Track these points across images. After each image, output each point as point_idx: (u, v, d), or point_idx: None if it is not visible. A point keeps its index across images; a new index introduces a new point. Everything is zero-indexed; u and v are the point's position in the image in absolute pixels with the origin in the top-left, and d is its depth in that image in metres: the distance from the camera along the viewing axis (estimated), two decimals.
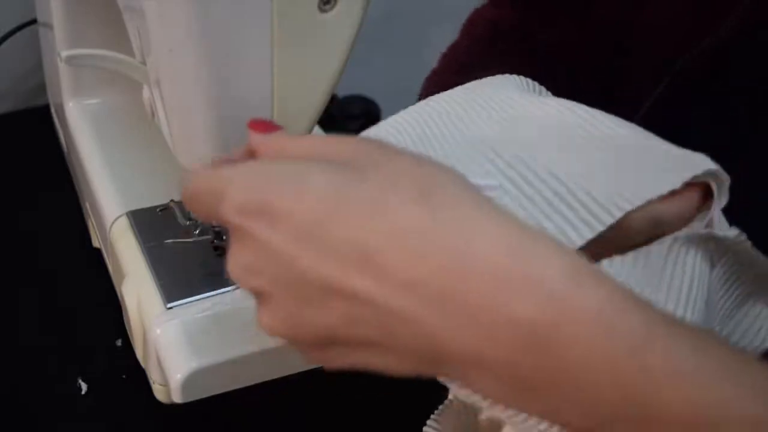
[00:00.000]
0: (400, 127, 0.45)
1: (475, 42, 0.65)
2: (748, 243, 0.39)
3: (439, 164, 0.32)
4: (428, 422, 0.49)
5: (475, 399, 0.47)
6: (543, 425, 0.37)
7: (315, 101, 0.48)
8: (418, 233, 0.29)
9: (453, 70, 0.56)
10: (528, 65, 0.53)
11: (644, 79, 0.59)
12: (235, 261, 0.34)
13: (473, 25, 0.67)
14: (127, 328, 0.54)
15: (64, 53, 0.46)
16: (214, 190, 0.33)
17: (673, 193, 0.36)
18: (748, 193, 0.50)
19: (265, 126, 0.38)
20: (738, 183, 0.41)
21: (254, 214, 0.32)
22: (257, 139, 0.37)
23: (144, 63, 0.48)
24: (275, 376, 0.50)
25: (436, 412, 0.51)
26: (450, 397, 0.52)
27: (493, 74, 0.49)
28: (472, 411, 0.51)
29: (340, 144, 0.34)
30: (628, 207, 0.35)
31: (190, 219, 0.55)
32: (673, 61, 0.56)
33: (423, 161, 0.32)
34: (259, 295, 0.35)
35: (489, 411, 0.47)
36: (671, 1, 0.58)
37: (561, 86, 0.53)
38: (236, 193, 0.32)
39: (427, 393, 0.47)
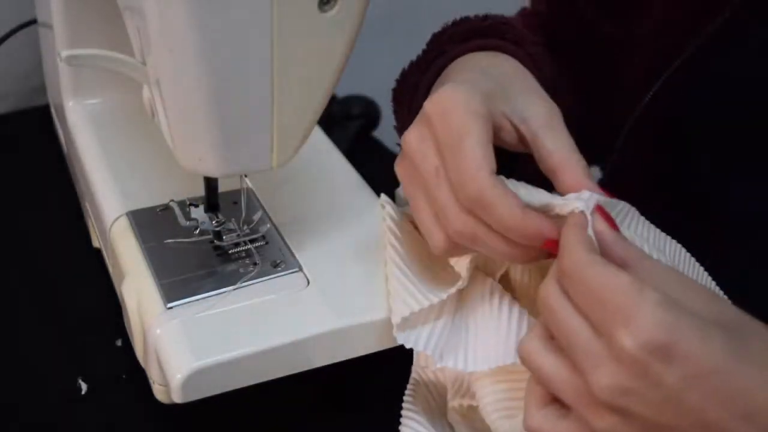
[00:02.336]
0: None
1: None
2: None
3: None
4: (404, 405, 0.50)
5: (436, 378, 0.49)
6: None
7: (315, 101, 0.48)
8: None
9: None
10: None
11: (641, 77, 0.60)
12: (612, 378, 0.37)
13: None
14: (127, 328, 0.54)
15: (64, 53, 0.46)
16: (622, 310, 0.36)
17: None
18: (742, 181, 0.51)
19: (611, 221, 0.43)
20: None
21: (654, 352, 0.35)
22: (604, 232, 0.42)
23: (144, 63, 0.48)
24: (275, 376, 0.50)
25: (407, 391, 0.52)
26: (414, 375, 0.53)
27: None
28: (440, 396, 0.52)
29: (699, 301, 0.38)
30: None
31: (190, 219, 0.55)
32: (669, 59, 0.57)
33: None
34: (619, 411, 0.37)
35: (453, 397, 0.49)
36: (667, 4, 0.58)
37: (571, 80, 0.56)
38: (645, 328, 0.36)
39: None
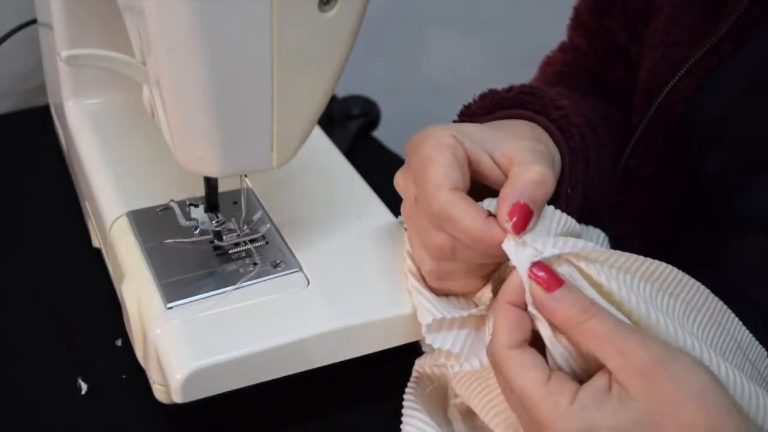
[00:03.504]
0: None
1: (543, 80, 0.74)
2: None
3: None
4: (405, 400, 0.50)
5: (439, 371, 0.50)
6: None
7: (315, 101, 0.48)
8: None
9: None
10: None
11: (652, 86, 0.61)
12: None
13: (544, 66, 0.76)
14: (127, 328, 0.54)
15: (64, 53, 0.46)
16: (542, 422, 0.40)
17: None
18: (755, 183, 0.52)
19: (549, 281, 0.44)
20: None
21: None
22: (541, 299, 0.43)
23: (144, 63, 0.48)
24: (275, 376, 0.50)
25: (408, 387, 0.52)
26: (417, 368, 0.53)
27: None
28: (441, 391, 0.52)
29: (631, 372, 0.40)
30: None
31: (190, 219, 0.55)
32: (676, 66, 0.58)
33: (707, 404, 0.40)
34: None
35: (455, 395, 0.49)
36: (678, 8, 0.59)
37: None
38: None
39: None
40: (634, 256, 0.47)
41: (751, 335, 0.50)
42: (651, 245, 0.66)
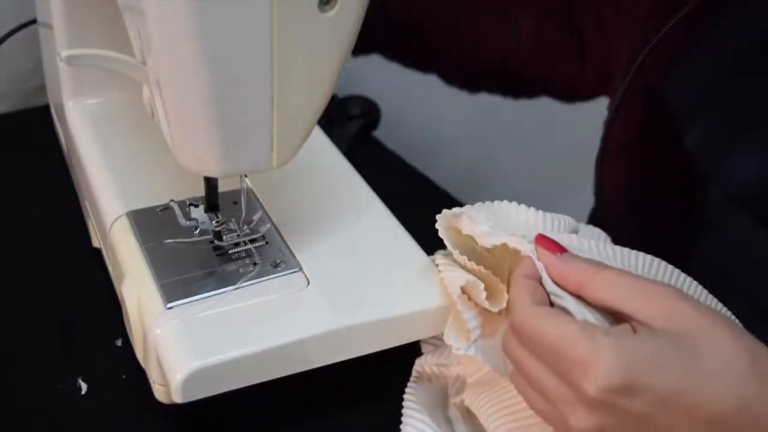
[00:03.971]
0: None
1: None
2: None
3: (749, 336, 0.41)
4: (405, 398, 0.51)
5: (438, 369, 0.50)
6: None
7: (315, 101, 0.48)
8: (760, 403, 0.39)
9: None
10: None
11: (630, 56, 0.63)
12: (585, 420, 0.40)
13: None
14: (127, 328, 0.54)
15: (64, 53, 0.46)
16: (579, 361, 0.40)
17: None
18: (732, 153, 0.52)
19: (554, 245, 0.45)
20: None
21: (617, 392, 0.39)
22: (551, 262, 0.45)
23: (144, 63, 0.48)
24: (275, 376, 0.50)
25: (408, 386, 0.52)
26: (417, 368, 0.53)
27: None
28: (442, 391, 0.52)
29: (649, 306, 0.41)
30: None
31: (190, 219, 0.55)
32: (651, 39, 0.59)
33: (738, 332, 0.40)
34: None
35: (454, 394, 0.49)
36: None
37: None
38: (602, 375, 0.39)
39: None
40: (623, 250, 0.48)
41: (740, 326, 0.50)
42: (641, 222, 0.67)
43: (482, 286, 0.48)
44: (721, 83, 0.58)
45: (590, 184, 0.70)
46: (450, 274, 0.50)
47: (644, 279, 0.43)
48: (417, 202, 0.76)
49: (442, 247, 0.53)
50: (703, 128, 0.57)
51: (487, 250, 0.50)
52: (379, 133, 0.87)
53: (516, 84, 0.83)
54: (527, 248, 0.46)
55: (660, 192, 0.66)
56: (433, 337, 0.54)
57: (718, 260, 0.61)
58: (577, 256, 0.45)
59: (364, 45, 0.79)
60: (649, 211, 0.67)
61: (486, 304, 0.48)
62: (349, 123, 0.84)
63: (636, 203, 0.67)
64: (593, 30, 0.72)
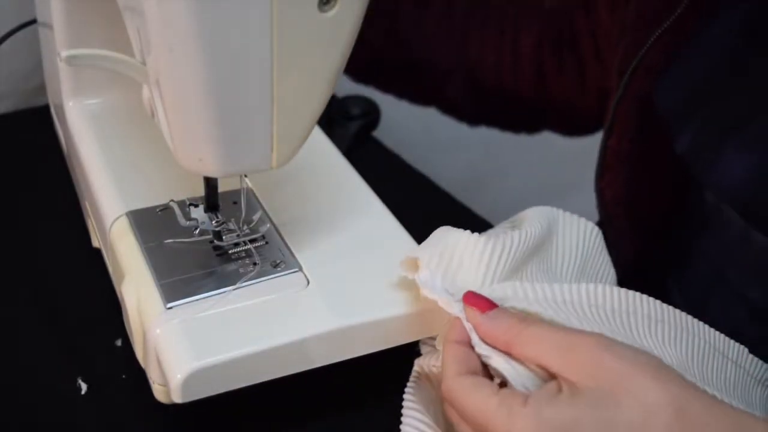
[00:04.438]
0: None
1: None
2: None
3: (680, 382, 0.39)
4: (405, 397, 0.51)
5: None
6: None
7: (315, 101, 0.48)
8: None
9: None
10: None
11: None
12: None
13: None
14: (127, 328, 0.54)
15: (64, 53, 0.46)
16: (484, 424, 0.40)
17: None
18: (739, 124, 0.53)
19: (482, 302, 0.45)
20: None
21: None
22: (480, 322, 0.45)
23: (144, 63, 0.48)
24: (275, 376, 0.50)
25: (408, 385, 0.52)
26: (416, 368, 0.53)
27: None
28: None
29: (572, 362, 0.40)
30: None
31: (190, 219, 0.55)
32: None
33: (664, 377, 0.39)
34: None
35: None
36: None
37: None
38: None
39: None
40: (580, 286, 0.48)
41: (723, 336, 0.49)
42: (640, 230, 0.67)
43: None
44: (710, 85, 0.58)
45: (590, 185, 0.70)
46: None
47: (572, 332, 0.42)
48: (417, 202, 0.76)
49: None
50: (694, 132, 0.57)
51: None
52: (379, 133, 0.87)
53: (517, 111, 0.82)
54: (456, 309, 0.46)
55: (657, 199, 0.67)
56: (432, 338, 0.54)
57: (712, 261, 0.61)
58: (506, 311, 0.45)
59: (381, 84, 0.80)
60: (647, 218, 0.67)
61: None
62: (349, 123, 0.84)
63: (635, 212, 0.67)
64: (589, 48, 0.72)
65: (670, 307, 0.48)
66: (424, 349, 0.55)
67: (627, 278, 0.58)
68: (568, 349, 0.41)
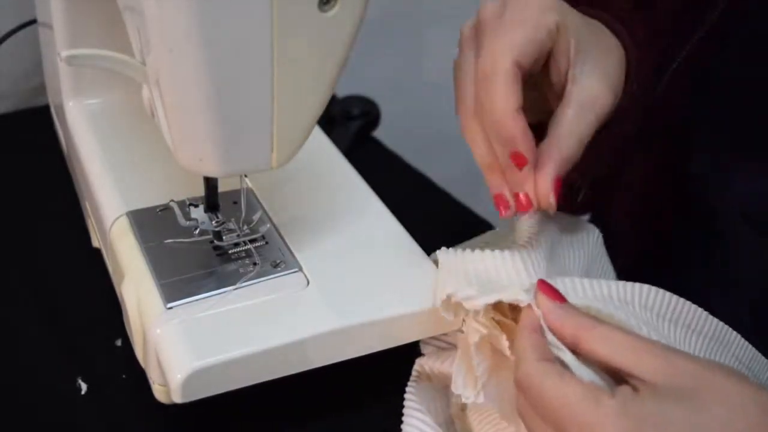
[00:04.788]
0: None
1: None
2: None
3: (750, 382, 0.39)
4: (406, 397, 0.50)
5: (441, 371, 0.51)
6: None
7: (315, 101, 0.48)
8: None
9: None
10: None
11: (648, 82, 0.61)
12: None
13: None
14: (127, 328, 0.54)
15: (64, 53, 0.46)
16: (585, 427, 0.38)
17: None
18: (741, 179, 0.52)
19: (554, 293, 0.45)
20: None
21: None
22: (550, 310, 0.44)
23: (144, 63, 0.48)
24: (275, 376, 0.50)
25: (409, 384, 0.52)
26: (417, 367, 0.53)
27: None
28: (442, 388, 0.52)
29: (648, 362, 0.40)
30: None
31: (190, 219, 0.55)
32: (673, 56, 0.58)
33: (737, 376, 0.39)
34: None
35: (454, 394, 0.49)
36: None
37: None
38: None
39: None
40: (632, 285, 0.48)
41: (754, 350, 0.50)
42: (641, 231, 0.67)
43: (504, 336, 0.47)
44: (723, 102, 0.57)
45: None
46: (471, 325, 0.50)
47: (635, 335, 0.42)
48: (417, 202, 0.76)
49: (443, 246, 0.53)
50: (708, 149, 0.57)
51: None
52: (379, 133, 0.87)
53: None
54: (525, 297, 0.45)
55: (668, 216, 0.66)
56: (432, 338, 0.54)
57: (726, 273, 0.61)
58: (575, 308, 0.44)
59: None
60: (648, 219, 0.67)
61: (508, 352, 0.47)
62: (349, 123, 0.84)
63: (645, 228, 0.67)
64: None
65: (710, 317, 0.48)
66: (425, 349, 0.55)
67: (627, 278, 0.58)
68: (641, 350, 0.40)
